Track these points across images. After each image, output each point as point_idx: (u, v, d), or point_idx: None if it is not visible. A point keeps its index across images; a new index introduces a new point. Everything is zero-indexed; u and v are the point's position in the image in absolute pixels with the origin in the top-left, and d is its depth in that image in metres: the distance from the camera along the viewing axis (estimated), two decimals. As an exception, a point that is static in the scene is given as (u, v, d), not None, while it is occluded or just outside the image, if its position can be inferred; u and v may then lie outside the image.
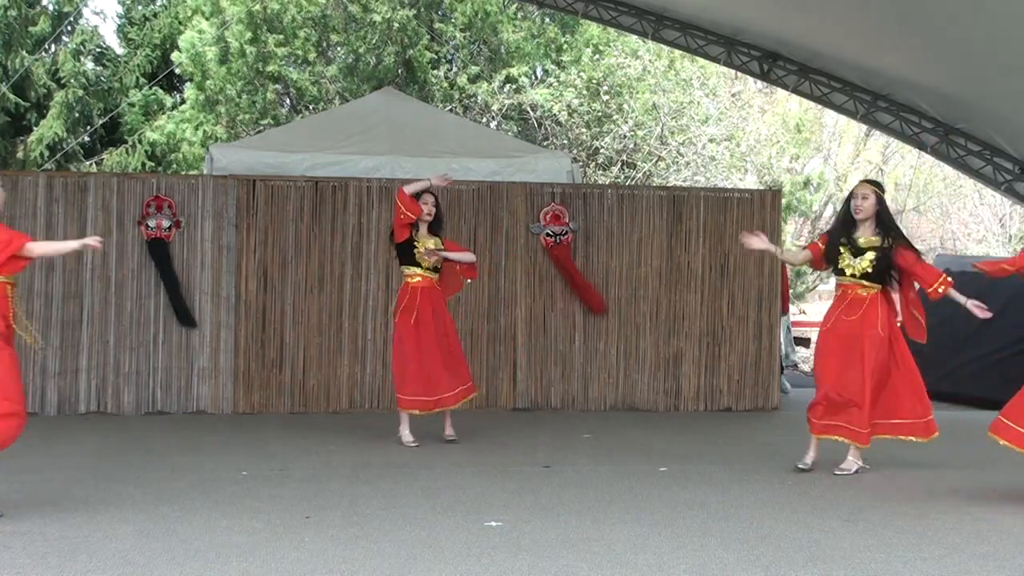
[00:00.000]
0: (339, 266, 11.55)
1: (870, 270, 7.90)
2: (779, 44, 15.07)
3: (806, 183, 26.38)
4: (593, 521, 6.23)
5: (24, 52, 24.55)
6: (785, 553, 5.51)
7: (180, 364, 11.28)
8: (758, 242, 8.34)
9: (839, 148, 29.25)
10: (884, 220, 8.02)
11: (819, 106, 19.52)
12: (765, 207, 12.32)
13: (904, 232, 8.31)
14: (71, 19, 25.51)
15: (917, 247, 8.30)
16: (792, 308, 19.34)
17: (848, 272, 7.97)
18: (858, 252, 7.94)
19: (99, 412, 11.09)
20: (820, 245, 8.22)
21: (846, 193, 8.48)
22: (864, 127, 23.83)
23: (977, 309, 7.74)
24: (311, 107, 24.16)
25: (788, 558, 5.41)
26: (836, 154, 29.16)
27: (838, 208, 26.68)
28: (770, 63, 15.45)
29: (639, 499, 6.96)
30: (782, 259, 10.18)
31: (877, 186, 8.17)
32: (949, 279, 7.84)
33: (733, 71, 18.88)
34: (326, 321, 11.50)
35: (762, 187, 22.68)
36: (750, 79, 21.20)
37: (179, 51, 24.89)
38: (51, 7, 25.76)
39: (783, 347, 13.77)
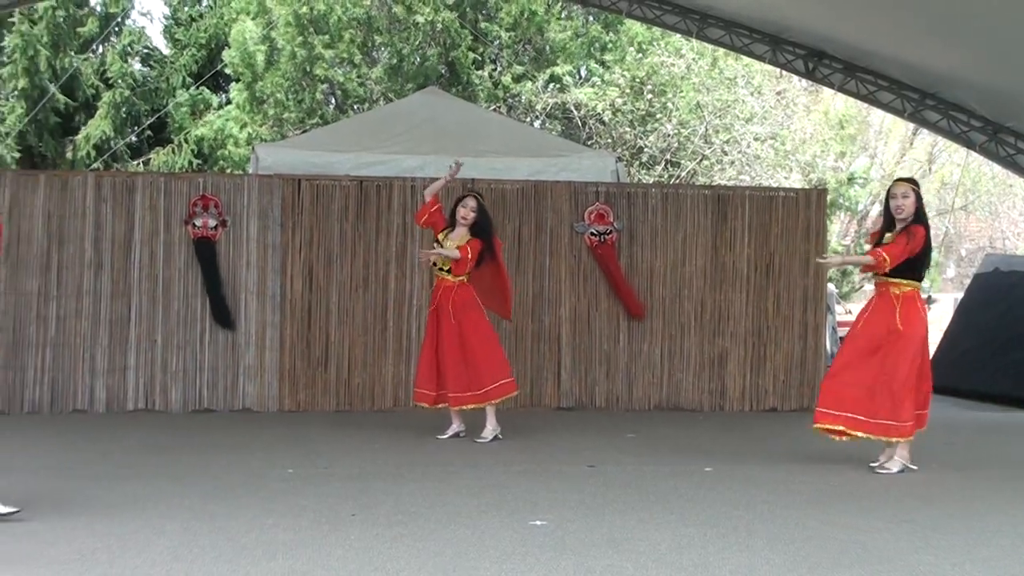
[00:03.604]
0: (384, 265, 11.59)
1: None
2: (825, 42, 14.97)
3: (851, 179, 26.19)
4: (638, 521, 6.21)
5: (72, 53, 24.80)
6: (831, 554, 5.47)
7: (226, 363, 11.35)
8: (831, 261, 8.22)
9: (885, 147, 29.02)
10: (922, 218, 7.99)
11: (865, 104, 19.37)
12: (810, 206, 12.25)
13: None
14: (118, 20, 25.74)
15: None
16: (838, 308, 19.20)
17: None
18: None
19: (147, 410, 11.19)
20: (868, 246, 8.18)
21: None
22: (911, 125, 23.63)
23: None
24: (356, 107, 24.25)
25: (834, 559, 5.37)
26: (882, 152, 28.95)
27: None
28: (815, 61, 15.35)
29: (684, 499, 6.93)
30: (856, 263, 9.64)
31: (914, 184, 8.13)
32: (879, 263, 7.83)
33: (778, 69, 18.78)
34: (371, 320, 11.54)
35: (807, 185, 22.54)
36: (795, 77, 21.05)
37: (229, 48, 25.06)
38: (99, 8, 26.00)
39: (828, 346, 13.69)
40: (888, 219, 8.08)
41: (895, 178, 8.42)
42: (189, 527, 5.90)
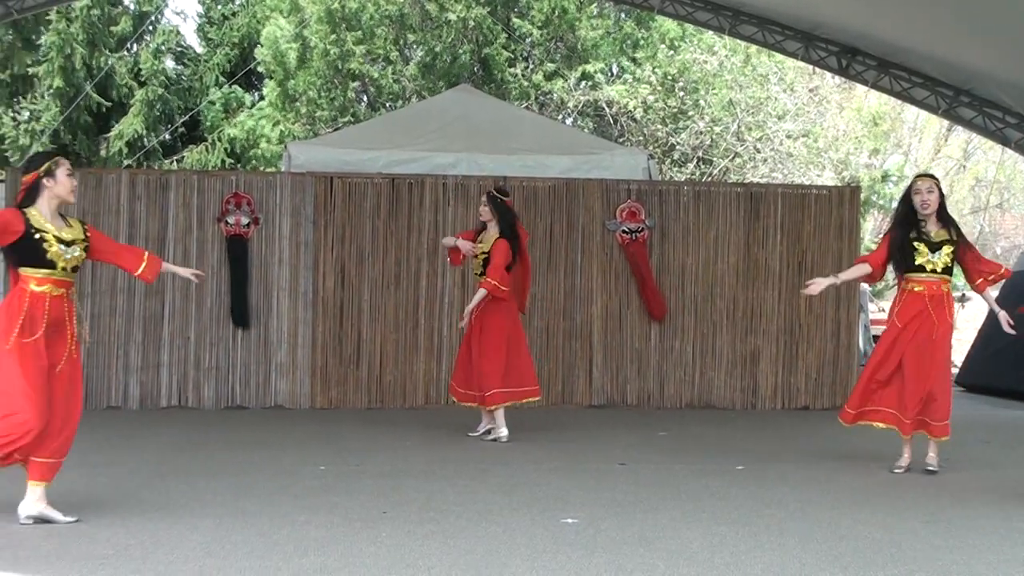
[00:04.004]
0: (415, 263, 11.61)
1: (949, 263, 7.83)
2: (858, 38, 14.88)
3: (884, 177, 26.05)
4: (669, 519, 6.20)
5: (107, 51, 24.96)
6: (864, 553, 5.44)
7: (259, 360, 11.41)
8: (816, 287, 8.14)
9: (919, 144, 28.85)
10: (945, 212, 7.96)
11: (899, 101, 19.24)
12: (843, 203, 12.19)
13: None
14: (152, 19, 25.90)
15: (1001, 244, 8.25)
16: (871, 306, 19.08)
17: (929, 268, 7.84)
18: (935, 247, 7.83)
19: (180, 407, 11.25)
20: (884, 251, 8.03)
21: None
22: (945, 122, 23.48)
23: (1006, 323, 7.72)
24: (388, 104, 24.30)
25: (868, 559, 5.34)
26: (916, 150, 28.77)
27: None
28: (849, 58, 15.27)
29: (715, 497, 6.91)
30: (846, 280, 9.44)
31: (935, 179, 8.09)
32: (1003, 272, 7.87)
33: (811, 66, 18.69)
34: (402, 317, 11.57)
35: (840, 183, 22.43)
36: (828, 74, 20.94)
37: (261, 46, 25.18)
38: (132, 7, 26.17)
39: (861, 345, 13.62)
40: (906, 214, 7.97)
41: (916, 175, 8.31)
42: (222, 523, 5.93)
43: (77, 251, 6.01)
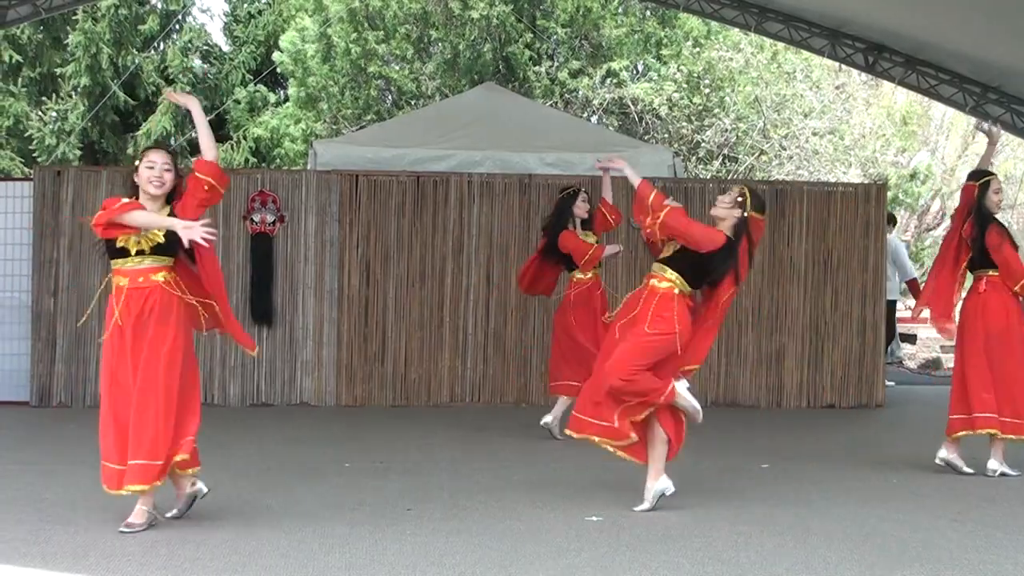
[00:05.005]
0: (440, 260, 11.61)
1: None
2: (885, 35, 14.80)
3: (912, 176, 25.89)
4: (694, 518, 6.20)
5: (134, 50, 25.07)
6: (891, 552, 5.43)
7: (284, 357, 11.44)
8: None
9: (947, 141, 28.67)
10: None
11: (926, 98, 19.13)
12: (869, 201, 12.13)
13: None
14: (179, 17, 25.99)
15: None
16: (899, 304, 18.97)
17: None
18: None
19: (206, 403, 11.11)
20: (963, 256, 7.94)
21: (957, 186, 8.26)
22: (973, 119, 23.33)
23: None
24: (412, 103, 24.33)
25: (894, 557, 5.32)
26: (944, 147, 28.59)
27: (949, 202, 26.12)
28: (875, 55, 15.19)
29: (741, 496, 6.90)
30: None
31: None
32: None
33: (837, 63, 18.60)
34: (427, 315, 11.58)
35: (866, 181, 22.33)
36: (855, 71, 20.83)
37: (280, 51, 25.26)
38: (160, 5, 26.27)
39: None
40: (986, 215, 7.83)
41: (975, 171, 8.13)
42: (247, 520, 5.96)
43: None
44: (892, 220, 15.37)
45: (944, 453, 7.80)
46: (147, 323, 5.76)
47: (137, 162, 6.00)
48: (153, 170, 5.93)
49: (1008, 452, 7.72)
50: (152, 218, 5.82)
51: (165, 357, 5.77)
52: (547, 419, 9.20)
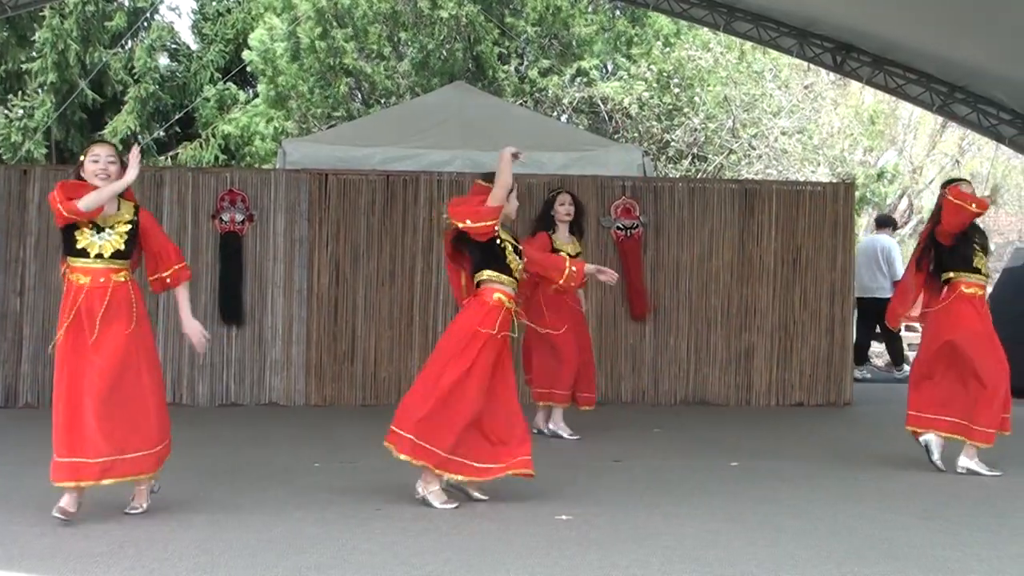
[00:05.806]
0: (410, 259, 11.60)
1: None
2: (853, 35, 14.89)
3: (880, 175, 26.04)
4: (663, 516, 6.21)
5: (101, 47, 24.90)
6: (858, 549, 5.45)
7: (253, 357, 11.40)
8: None
9: (914, 140, 28.85)
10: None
11: (894, 98, 19.25)
12: (838, 200, 12.20)
13: None
14: (147, 15, 25.83)
15: (995, 240, 8.21)
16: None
17: (982, 271, 7.82)
18: (985, 250, 7.84)
19: (174, 403, 11.18)
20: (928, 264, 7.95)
21: (933, 188, 8.26)
22: (940, 119, 23.48)
23: None
24: (383, 101, 24.27)
25: (861, 555, 5.35)
26: (911, 146, 28.77)
27: (916, 201, 26.26)
28: (843, 55, 15.27)
29: (710, 494, 6.92)
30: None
31: None
32: None
33: (806, 63, 18.69)
34: (397, 314, 11.57)
35: (835, 180, 22.44)
36: (823, 71, 20.93)
37: (249, 50, 25.15)
38: (127, 3, 26.10)
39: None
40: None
41: (955, 180, 8.06)
42: (216, 520, 5.94)
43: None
44: (892, 223, 15.56)
45: (964, 461, 7.77)
46: (112, 319, 5.92)
47: (82, 157, 6.05)
48: (98, 163, 6.02)
49: (981, 450, 7.74)
50: (102, 192, 5.91)
51: (143, 349, 6.09)
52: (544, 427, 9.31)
